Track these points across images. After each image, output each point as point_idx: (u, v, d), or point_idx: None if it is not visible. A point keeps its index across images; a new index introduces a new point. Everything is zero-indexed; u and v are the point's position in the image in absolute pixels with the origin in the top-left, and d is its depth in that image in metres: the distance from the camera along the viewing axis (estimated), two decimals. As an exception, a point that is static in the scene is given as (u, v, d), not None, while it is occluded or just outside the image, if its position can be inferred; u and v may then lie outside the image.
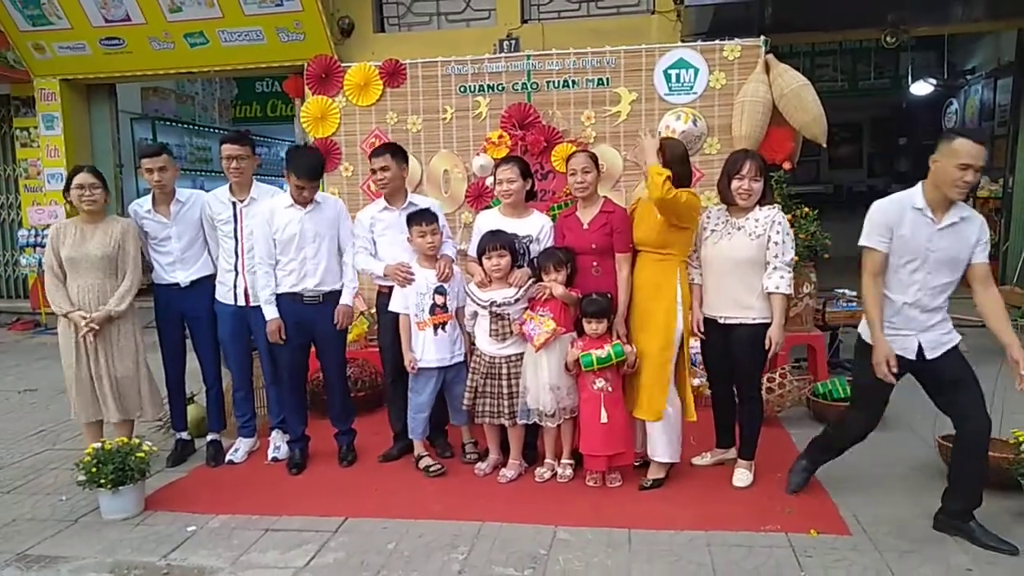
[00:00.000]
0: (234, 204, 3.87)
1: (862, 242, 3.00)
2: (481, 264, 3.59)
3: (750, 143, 4.76)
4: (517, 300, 3.55)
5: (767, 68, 4.83)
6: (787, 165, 4.97)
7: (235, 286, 3.89)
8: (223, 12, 7.07)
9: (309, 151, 4.11)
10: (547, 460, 3.68)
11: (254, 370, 4.13)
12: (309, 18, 6.96)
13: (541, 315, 3.50)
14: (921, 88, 9.50)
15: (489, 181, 5.17)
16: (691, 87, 5.02)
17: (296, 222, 3.70)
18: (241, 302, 3.89)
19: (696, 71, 5.00)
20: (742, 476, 3.54)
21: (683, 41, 5.95)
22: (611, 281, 3.55)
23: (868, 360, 3.01)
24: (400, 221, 3.78)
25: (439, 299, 3.65)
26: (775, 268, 3.37)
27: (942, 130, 9.99)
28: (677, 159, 3.40)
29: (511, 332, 3.53)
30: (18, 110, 8.55)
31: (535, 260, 3.60)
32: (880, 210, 2.98)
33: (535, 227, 3.71)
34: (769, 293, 3.37)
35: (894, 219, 2.93)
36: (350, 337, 5.13)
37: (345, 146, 5.49)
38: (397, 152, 3.85)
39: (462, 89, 5.31)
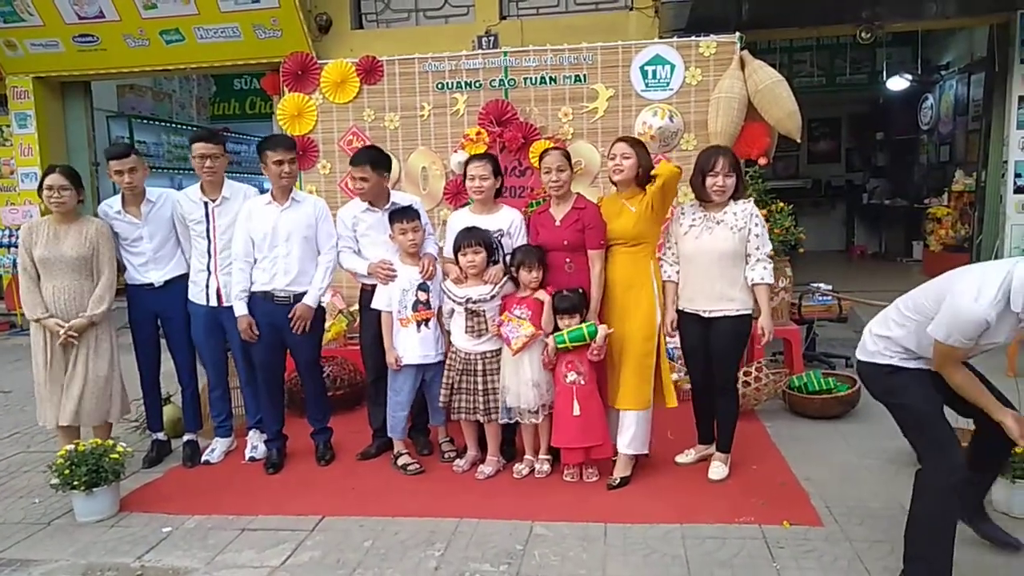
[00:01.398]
0: (206, 204, 3.84)
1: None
2: (457, 261, 3.59)
3: (726, 139, 4.80)
4: (493, 297, 3.56)
5: (742, 64, 4.85)
6: (763, 160, 5.01)
7: (207, 286, 3.86)
8: (199, 9, 7.01)
9: (280, 134, 4.04)
10: (526, 456, 3.69)
11: (230, 369, 4.11)
12: (286, 15, 6.91)
13: (519, 316, 3.50)
14: (897, 84, 9.61)
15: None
16: (667, 83, 5.04)
17: (271, 219, 3.68)
18: (214, 302, 3.86)
19: (672, 67, 5.02)
20: (718, 469, 3.58)
21: (661, 37, 5.98)
22: (584, 277, 3.57)
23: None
24: (383, 222, 3.76)
25: (422, 295, 3.64)
26: (757, 260, 3.44)
27: (918, 125, 10.14)
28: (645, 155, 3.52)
29: (486, 329, 3.54)
30: (-11, 109, 8.42)
31: (511, 255, 3.60)
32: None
33: (505, 221, 3.72)
34: (754, 284, 3.44)
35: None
36: (329, 336, 5.12)
37: (323, 143, 5.46)
38: (379, 163, 3.76)
39: (439, 86, 5.30)
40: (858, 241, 11.52)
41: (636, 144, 3.53)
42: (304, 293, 3.76)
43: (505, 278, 3.58)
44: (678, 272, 3.53)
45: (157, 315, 3.94)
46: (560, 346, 3.43)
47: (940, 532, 2.44)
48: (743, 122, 4.83)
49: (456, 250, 3.58)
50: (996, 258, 6.75)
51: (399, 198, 3.88)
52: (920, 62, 9.43)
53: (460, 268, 3.58)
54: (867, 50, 9.41)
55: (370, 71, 5.34)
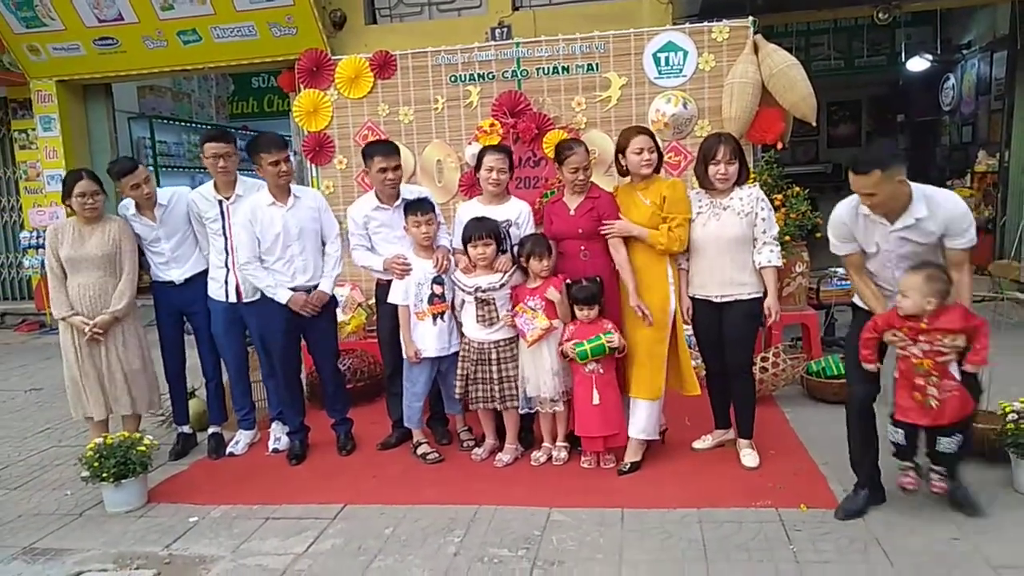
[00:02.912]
0: (220, 202, 3.90)
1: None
2: (467, 252, 3.62)
3: (740, 124, 4.78)
4: (502, 285, 3.59)
5: (756, 49, 4.82)
6: (779, 145, 4.98)
7: (226, 283, 3.93)
8: (215, 9, 7.10)
9: (266, 132, 4.04)
10: (543, 444, 3.73)
11: (252, 363, 4.18)
12: (300, 12, 6.97)
13: (533, 308, 3.53)
14: (917, 64, 9.45)
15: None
16: (680, 70, 5.02)
17: (279, 220, 3.71)
18: (233, 298, 3.93)
19: (685, 54, 5.00)
20: (749, 456, 3.56)
21: (674, 24, 5.95)
22: (599, 265, 3.58)
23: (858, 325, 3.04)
24: (394, 219, 3.81)
25: (437, 288, 3.68)
26: (764, 243, 3.45)
27: (939, 106, 9.97)
28: (654, 139, 3.55)
29: (498, 317, 3.57)
30: (15, 112, 8.60)
31: (520, 244, 3.63)
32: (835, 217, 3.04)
33: (514, 212, 3.75)
34: (762, 267, 3.45)
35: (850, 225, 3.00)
36: (349, 328, 5.20)
37: (338, 139, 5.51)
38: (399, 151, 3.89)
39: (452, 79, 5.32)
40: (881, 224, 11.33)
41: (653, 135, 3.54)
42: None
43: (514, 267, 3.61)
44: (688, 259, 3.54)
45: (181, 311, 4.03)
46: (582, 361, 3.45)
47: (851, 439, 3.11)
48: (758, 107, 4.80)
49: (466, 241, 3.61)
50: (1021, 240, 6.66)
51: (408, 191, 3.91)
52: (940, 41, 9.26)
53: (469, 259, 3.62)
54: (886, 31, 9.27)
55: (384, 66, 5.38)
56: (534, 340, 3.47)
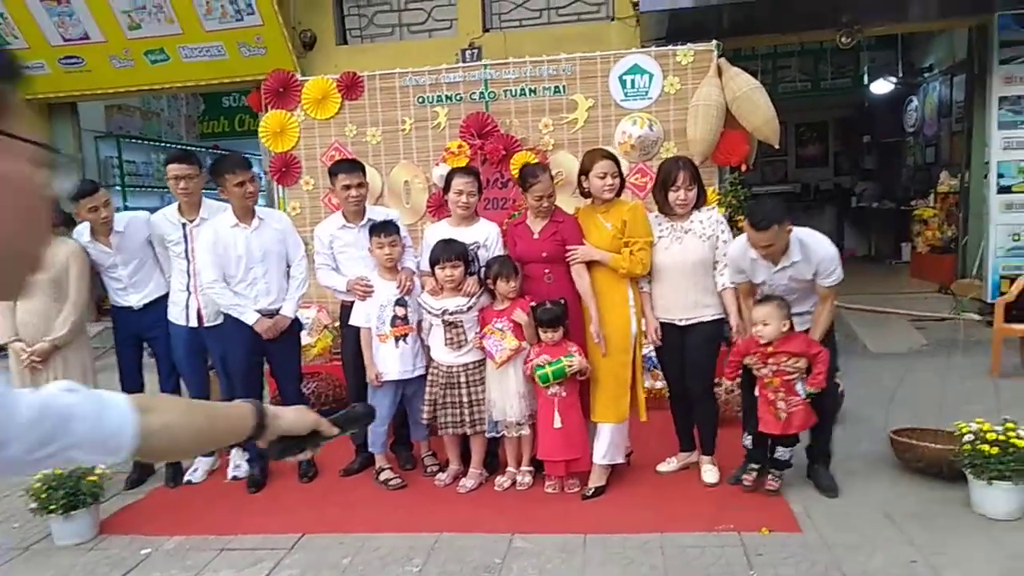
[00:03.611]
0: (184, 224, 3.85)
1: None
2: (434, 274, 3.60)
3: (705, 146, 4.82)
4: (470, 308, 3.56)
5: (720, 72, 4.88)
6: (743, 167, 5.03)
7: (187, 306, 3.87)
8: (183, 28, 7.04)
9: (231, 152, 4.03)
10: (508, 468, 3.69)
11: (213, 390, 4.10)
12: (270, 32, 6.94)
13: (501, 329, 3.51)
14: (881, 87, 9.65)
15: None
16: (646, 92, 5.06)
17: (242, 242, 3.67)
18: (194, 323, 3.86)
19: (651, 76, 5.05)
20: (709, 472, 3.60)
21: (642, 47, 6.01)
22: (564, 288, 3.58)
23: None
24: (360, 238, 3.78)
25: (400, 311, 3.65)
26: (725, 265, 3.49)
27: (903, 127, 10.18)
28: (619, 164, 3.55)
29: (466, 340, 3.55)
30: (-22, 131, 8.42)
31: (487, 266, 3.61)
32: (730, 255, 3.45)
33: (482, 234, 3.74)
34: (723, 289, 3.50)
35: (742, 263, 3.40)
36: (315, 351, 5.13)
37: (305, 160, 5.48)
38: (363, 168, 3.88)
39: (420, 100, 5.32)
40: (847, 244, 11.50)
41: (617, 160, 3.56)
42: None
43: (481, 290, 3.59)
44: (650, 282, 3.55)
45: (140, 336, 3.95)
46: (543, 384, 3.43)
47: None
48: (722, 129, 4.85)
49: (434, 264, 3.58)
50: (982, 259, 6.78)
51: (375, 213, 3.88)
52: (902, 65, 9.48)
53: (437, 281, 3.59)
54: (850, 55, 9.45)
55: (351, 87, 5.37)
56: (503, 361, 3.45)
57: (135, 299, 3.87)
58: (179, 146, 10.86)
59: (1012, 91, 6.47)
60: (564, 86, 5.17)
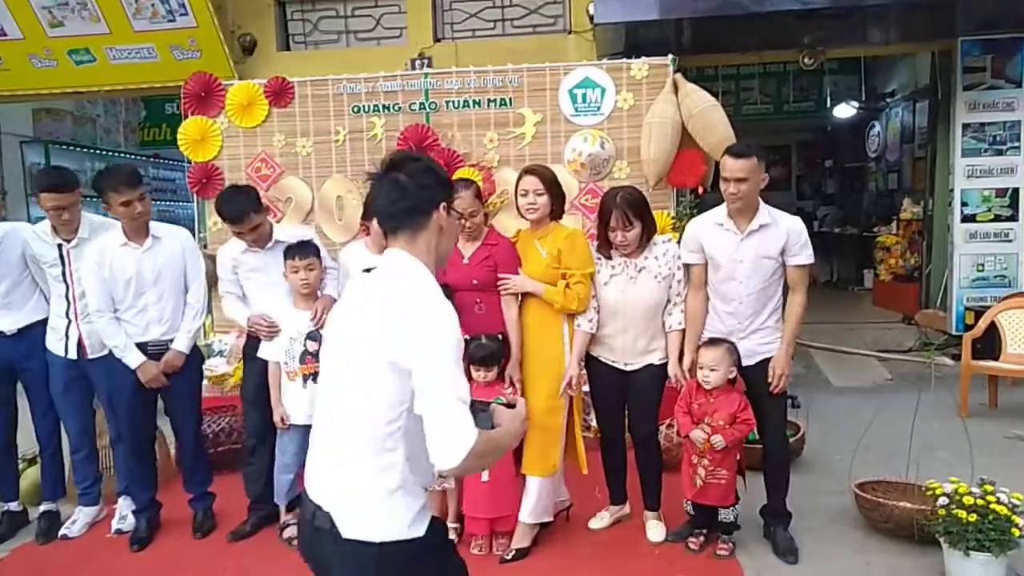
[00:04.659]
0: (60, 245, 3.36)
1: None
2: None
3: (659, 166, 4.49)
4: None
5: (676, 88, 4.56)
6: (700, 189, 4.71)
7: (67, 335, 3.38)
8: (110, 28, 6.56)
9: (119, 165, 3.53)
10: (429, 524, 3.25)
11: (101, 426, 3.61)
12: (205, 34, 6.50)
13: None
14: (844, 111, 9.52)
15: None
16: (598, 108, 4.72)
17: (132, 263, 3.21)
18: (74, 354, 3.38)
19: (603, 91, 4.71)
20: (656, 529, 3.24)
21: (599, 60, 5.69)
22: (497, 319, 3.18)
23: None
24: (267, 262, 3.32)
25: (312, 345, 3.19)
26: (675, 304, 3.17)
27: (866, 152, 10.05)
28: (551, 182, 3.15)
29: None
30: None
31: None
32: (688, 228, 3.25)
33: None
34: (671, 331, 3.15)
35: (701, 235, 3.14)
36: (233, 380, 4.64)
37: (228, 171, 5.01)
38: (254, 208, 3.24)
39: (355, 109, 4.91)
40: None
41: (545, 176, 3.16)
42: None
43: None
44: (591, 321, 3.14)
45: (12, 366, 3.44)
46: None
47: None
48: (678, 148, 4.52)
49: None
50: (946, 289, 6.57)
51: (287, 233, 3.43)
52: (865, 89, 9.37)
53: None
54: (813, 77, 9.32)
55: (279, 93, 4.94)
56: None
57: (7, 322, 3.38)
58: (119, 153, 10.30)
59: (975, 118, 6.30)
60: (511, 98, 4.80)
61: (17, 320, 3.40)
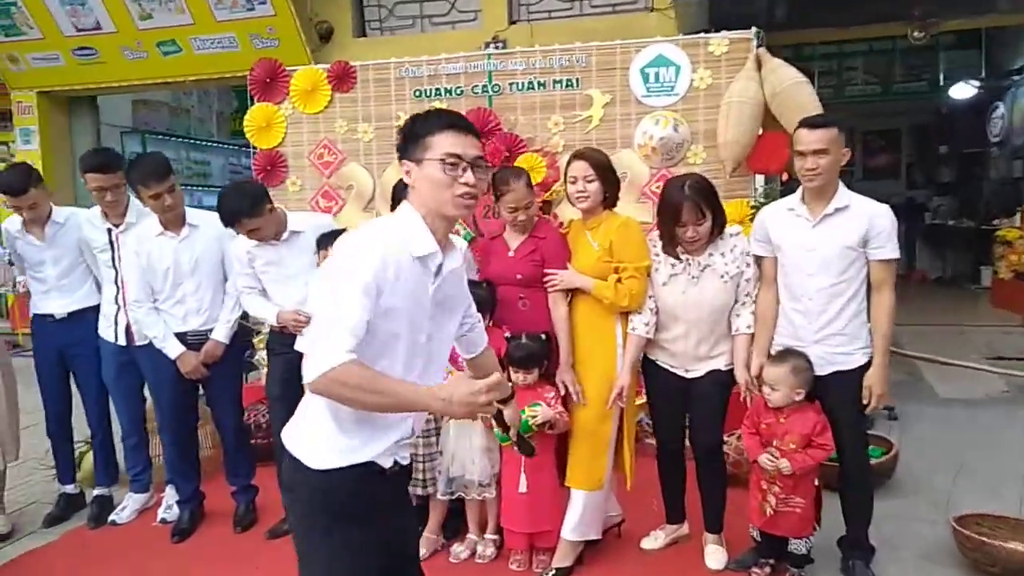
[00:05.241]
0: (109, 230, 3.36)
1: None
2: None
3: (738, 149, 4.08)
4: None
5: (759, 64, 4.14)
6: (784, 176, 4.27)
7: (116, 322, 3.37)
8: (194, 19, 6.73)
9: (148, 155, 3.46)
10: (468, 535, 3.05)
11: (149, 414, 3.61)
12: (283, 23, 6.55)
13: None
14: (961, 91, 8.64)
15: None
16: (672, 87, 4.35)
17: (169, 253, 3.15)
18: (123, 340, 3.37)
19: (677, 69, 4.34)
20: (715, 556, 2.91)
21: (681, 39, 5.30)
22: (543, 316, 2.93)
23: None
24: (282, 255, 3.14)
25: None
26: (744, 304, 2.81)
27: (986, 137, 9.10)
28: (603, 167, 2.83)
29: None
30: (-4, 124, 8.32)
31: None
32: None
33: None
34: (738, 334, 2.81)
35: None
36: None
37: (292, 158, 4.96)
38: (261, 201, 3.01)
39: (417, 93, 4.74)
40: (919, 265, 10.48)
41: (596, 161, 2.85)
42: None
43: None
44: (647, 325, 2.82)
45: (60, 350, 3.47)
46: (502, 442, 2.79)
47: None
48: (760, 131, 4.10)
49: None
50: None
51: (302, 223, 3.20)
52: (987, 66, 8.44)
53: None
54: (926, 54, 8.49)
55: (342, 78, 4.83)
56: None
57: (59, 306, 3.41)
58: (211, 143, 10.66)
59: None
60: (578, 79, 4.49)
61: (67, 304, 3.43)
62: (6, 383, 3.35)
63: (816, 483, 2.74)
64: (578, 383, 2.83)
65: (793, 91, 3.93)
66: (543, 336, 2.89)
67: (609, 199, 2.86)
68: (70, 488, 3.61)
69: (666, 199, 2.74)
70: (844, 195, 2.65)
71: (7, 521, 3.39)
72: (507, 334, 2.90)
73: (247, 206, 2.91)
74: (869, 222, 2.59)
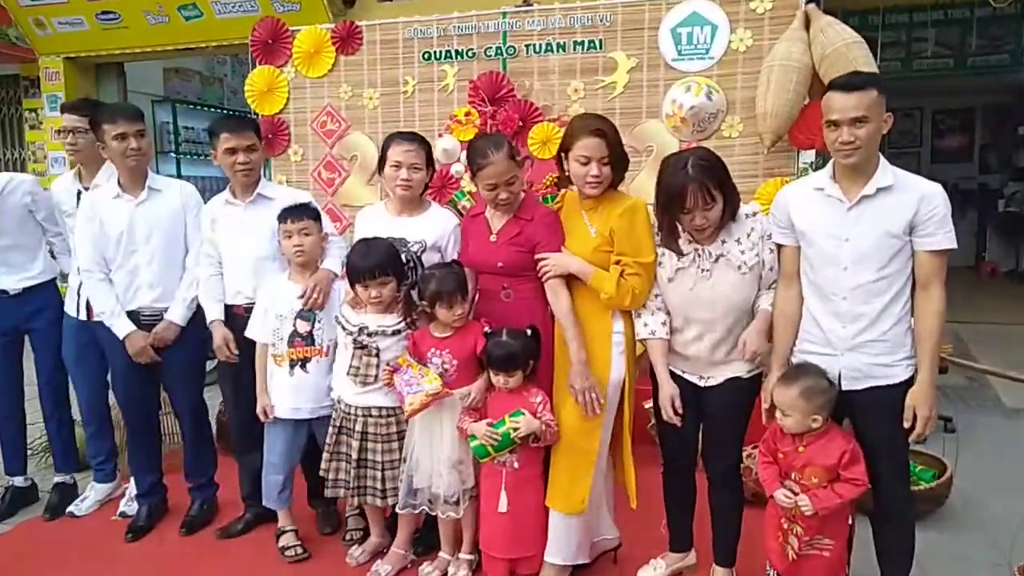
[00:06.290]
0: (78, 193, 3.09)
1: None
2: (355, 291, 2.61)
3: (779, 121, 3.57)
4: (396, 332, 2.57)
5: (807, 23, 3.60)
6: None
7: (79, 294, 3.10)
8: (214, -19, 6.47)
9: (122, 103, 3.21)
10: (441, 553, 2.69)
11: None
12: (303, -14, 6.22)
13: (437, 364, 2.51)
14: (1048, 65, 7.78)
15: (456, 169, 4.22)
16: (706, 50, 3.84)
17: (124, 216, 2.86)
18: (83, 314, 3.10)
19: (713, 29, 3.82)
20: None
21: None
22: (529, 310, 2.52)
23: None
24: (246, 217, 2.87)
25: (302, 326, 2.70)
26: (763, 293, 2.38)
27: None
28: (620, 144, 2.40)
29: (376, 375, 2.55)
30: (27, 91, 8.26)
31: (421, 280, 2.57)
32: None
33: (431, 231, 2.72)
34: (759, 310, 2.36)
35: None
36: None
37: (294, 125, 4.64)
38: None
39: (426, 56, 4.34)
40: (989, 257, 9.70)
41: (614, 141, 2.41)
42: None
43: (417, 311, 2.60)
44: (665, 325, 2.39)
45: (16, 328, 3.22)
46: (481, 458, 2.41)
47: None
48: (805, 100, 3.58)
49: (354, 281, 2.59)
50: None
51: (271, 192, 2.95)
52: (1080, 37, 7.58)
53: (358, 297, 2.62)
54: (1008, 23, 7.65)
55: (347, 39, 4.46)
56: (413, 410, 2.43)
57: (10, 281, 3.16)
58: (244, 113, 10.45)
59: None
60: (601, 40, 4.02)
61: (19, 280, 3.18)
62: None
63: (849, 520, 2.28)
64: (558, 387, 2.42)
65: (846, 51, 3.38)
66: (528, 332, 2.48)
67: (616, 178, 2.42)
68: (18, 480, 3.37)
69: (665, 182, 2.26)
70: (887, 172, 2.14)
71: None
72: (487, 329, 2.50)
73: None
74: (918, 205, 2.09)
